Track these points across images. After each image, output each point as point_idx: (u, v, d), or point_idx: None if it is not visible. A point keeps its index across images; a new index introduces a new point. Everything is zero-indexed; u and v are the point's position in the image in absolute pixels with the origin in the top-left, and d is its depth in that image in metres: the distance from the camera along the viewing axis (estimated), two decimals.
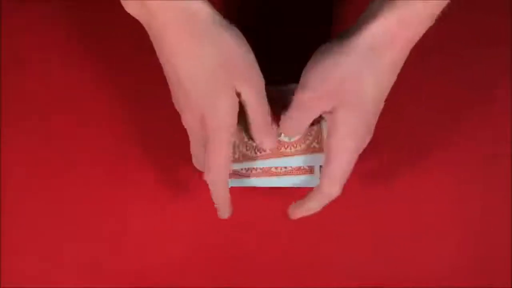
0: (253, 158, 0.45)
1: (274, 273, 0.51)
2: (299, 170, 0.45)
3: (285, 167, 0.45)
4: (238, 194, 0.49)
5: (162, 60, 0.40)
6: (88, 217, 0.51)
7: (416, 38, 0.38)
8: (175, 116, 0.42)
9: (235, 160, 0.44)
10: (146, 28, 0.39)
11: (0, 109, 0.52)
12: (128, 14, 0.39)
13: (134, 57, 0.52)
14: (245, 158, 0.45)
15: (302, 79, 0.41)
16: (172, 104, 0.42)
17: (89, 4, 0.54)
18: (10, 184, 0.51)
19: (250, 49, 0.40)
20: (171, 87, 0.41)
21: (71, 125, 0.52)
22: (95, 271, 0.50)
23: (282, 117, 0.42)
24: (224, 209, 0.44)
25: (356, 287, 0.50)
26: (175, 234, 0.51)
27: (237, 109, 0.40)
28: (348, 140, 0.39)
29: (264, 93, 0.41)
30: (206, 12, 0.38)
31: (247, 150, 0.45)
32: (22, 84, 0.53)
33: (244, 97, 0.40)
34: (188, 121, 0.41)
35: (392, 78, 0.39)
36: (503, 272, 0.50)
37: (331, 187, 0.41)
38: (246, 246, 0.51)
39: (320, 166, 0.43)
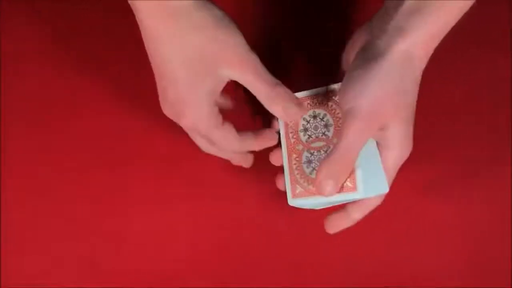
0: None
1: (274, 273, 0.51)
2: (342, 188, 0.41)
3: None
4: (239, 194, 0.50)
5: (146, 48, 0.39)
6: (88, 217, 0.51)
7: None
8: None
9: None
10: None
11: (0, 109, 0.52)
12: (128, 14, 0.39)
13: (134, 57, 0.52)
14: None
15: (346, 105, 0.38)
16: None
17: (89, 4, 0.54)
18: (10, 184, 0.51)
19: (236, 30, 0.38)
20: (156, 77, 0.40)
21: (71, 125, 0.52)
22: (95, 271, 0.50)
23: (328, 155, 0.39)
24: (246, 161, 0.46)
25: (356, 287, 0.50)
26: (175, 234, 0.51)
27: (214, 107, 0.39)
28: (399, 153, 0.40)
29: (260, 69, 0.39)
30: None
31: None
32: (22, 84, 0.53)
33: (239, 80, 0.39)
34: (168, 114, 0.41)
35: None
36: (503, 272, 0.50)
37: (378, 199, 0.43)
38: (246, 246, 0.51)
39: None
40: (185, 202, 0.51)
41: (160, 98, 0.41)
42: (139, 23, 0.37)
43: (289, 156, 0.43)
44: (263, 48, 0.43)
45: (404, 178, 0.51)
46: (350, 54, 0.42)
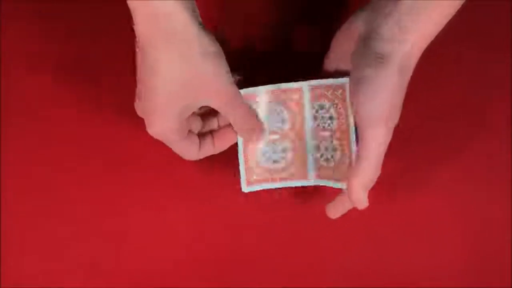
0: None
1: (274, 273, 0.51)
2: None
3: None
4: (239, 194, 0.49)
5: (136, 49, 0.40)
6: (88, 217, 0.51)
7: None
8: None
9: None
10: None
11: (0, 109, 0.52)
12: (128, 15, 0.39)
13: (135, 56, 0.52)
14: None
15: (359, 109, 0.41)
16: None
17: (89, 4, 0.54)
18: (10, 184, 0.51)
19: (221, 61, 0.40)
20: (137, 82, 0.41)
21: (71, 125, 0.52)
22: (96, 271, 0.50)
23: (358, 168, 0.41)
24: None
25: (356, 287, 0.50)
26: (175, 234, 0.51)
27: (183, 123, 0.41)
28: (384, 148, 0.42)
29: (236, 102, 0.42)
30: (179, 17, 0.37)
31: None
32: (22, 84, 0.53)
33: (216, 108, 0.42)
34: (138, 113, 0.43)
35: None
36: (503, 272, 0.50)
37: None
38: (246, 246, 0.51)
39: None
40: (185, 202, 0.51)
41: (136, 95, 0.42)
42: (135, 32, 0.38)
43: (245, 147, 0.45)
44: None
45: (404, 178, 0.51)
46: (343, 40, 0.43)
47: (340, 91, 0.43)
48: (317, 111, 0.44)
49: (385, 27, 0.39)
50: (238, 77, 0.45)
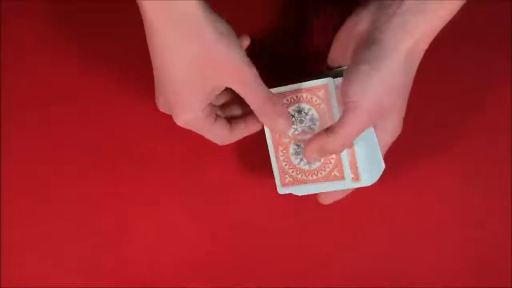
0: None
1: (274, 273, 0.51)
2: (330, 177, 0.45)
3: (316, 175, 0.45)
4: (238, 195, 0.50)
5: (148, 41, 0.40)
6: (88, 217, 0.51)
7: None
8: None
9: None
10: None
11: (0, 109, 0.52)
12: (130, 13, 0.39)
13: (136, 58, 0.52)
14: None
15: (350, 98, 0.40)
16: None
17: (89, 3, 0.54)
18: (10, 184, 0.51)
19: (236, 42, 0.39)
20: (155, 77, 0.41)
21: (71, 125, 0.52)
22: (95, 271, 0.50)
23: (325, 132, 0.41)
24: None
25: (356, 287, 0.50)
26: (175, 234, 0.51)
27: (206, 110, 0.41)
28: (392, 137, 0.44)
29: (253, 83, 0.41)
30: (191, 2, 0.37)
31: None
32: (22, 83, 0.53)
33: (234, 90, 0.41)
34: (160, 108, 0.43)
35: None
36: (503, 272, 0.50)
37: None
38: (245, 246, 0.51)
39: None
40: (185, 202, 0.51)
41: (156, 92, 0.42)
42: (144, 21, 0.38)
43: (275, 148, 0.45)
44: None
45: (404, 178, 0.51)
46: (345, 36, 0.43)
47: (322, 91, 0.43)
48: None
49: (390, 25, 0.39)
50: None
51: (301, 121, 0.44)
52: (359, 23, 0.42)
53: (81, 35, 0.53)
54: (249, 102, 0.42)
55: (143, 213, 0.51)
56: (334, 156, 0.43)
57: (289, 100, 0.44)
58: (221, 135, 0.44)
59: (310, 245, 0.51)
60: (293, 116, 0.44)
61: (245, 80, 0.40)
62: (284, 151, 0.45)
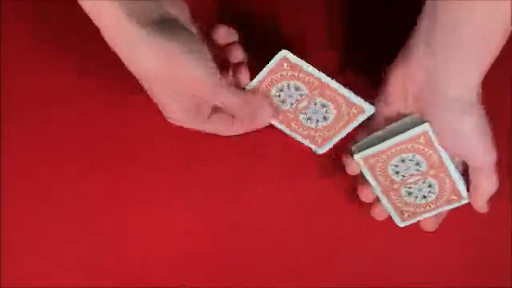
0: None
1: (274, 273, 0.51)
2: (449, 202, 0.47)
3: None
4: (238, 195, 0.50)
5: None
6: (88, 217, 0.51)
7: None
8: None
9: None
10: None
11: (0, 109, 0.52)
12: None
13: None
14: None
15: (471, 162, 0.44)
16: None
17: None
18: (10, 184, 0.51)
19: (200, 49, 0.39)
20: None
21: (71, 125, 0.52)
22: (95, 271, 0.50)
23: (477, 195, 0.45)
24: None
25: (356, 287, 0.50)
26: (175, 234, 0.51)
27: (193, 109, 0.40)
28: (492, 183, 0.46)
29: (222, 87, 0.40)
30: (153, 14, 0.37)
31: None
32: (22, 84, 0.53)
33: (208, 100, 0.41)
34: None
35: None
36: (503, 272, 0.50)
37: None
38: (245, 246, 0.51)
39: None
40: (184, 202, 0.51)
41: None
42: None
43: (387, 194, 0.47)
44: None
45: None
46: (398, 85, 0.43)
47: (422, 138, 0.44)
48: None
49: (451, 72, 0.39)
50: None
51: (408, 168, 0.45)
52: (413, 70, 0.41)
53: (81, 35, 0.53)
54: (225, 108, 0.42)
55: (143, 213, 0.51)
56: (447, 181, 0.45)
57: (390, 155, 0.45)
58: (220, 130, 0.44)
59: (310, 245, 0.51)
60: (397, 166, 0.45)
61: (210, 90, 0.40)
62: (396, 194, 0.46)
